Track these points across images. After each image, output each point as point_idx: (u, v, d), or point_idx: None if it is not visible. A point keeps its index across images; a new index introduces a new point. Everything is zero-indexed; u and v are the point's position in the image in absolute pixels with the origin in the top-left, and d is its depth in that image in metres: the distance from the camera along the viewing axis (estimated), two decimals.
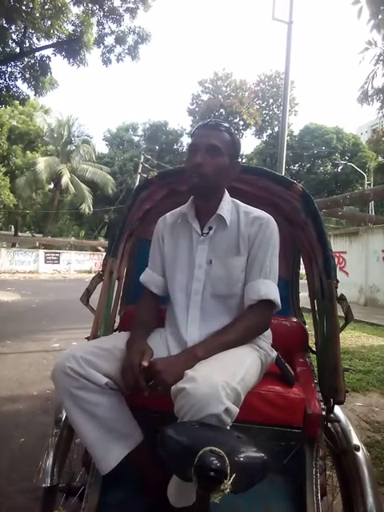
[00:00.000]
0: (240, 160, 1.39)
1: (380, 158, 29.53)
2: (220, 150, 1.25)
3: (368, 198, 13.07)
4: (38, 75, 8.87)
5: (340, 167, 30.18)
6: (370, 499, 1.10)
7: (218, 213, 1.32)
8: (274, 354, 1.36)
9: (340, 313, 1.27)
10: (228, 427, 0.95)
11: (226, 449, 0.77)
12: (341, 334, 1.25)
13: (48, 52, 9.01)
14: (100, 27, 9.19)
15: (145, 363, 1.10)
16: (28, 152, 25.76)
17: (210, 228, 1.34)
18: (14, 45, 8.90)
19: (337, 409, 1.24)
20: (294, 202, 1.56)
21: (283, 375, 1.33)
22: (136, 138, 36.41)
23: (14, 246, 25.68)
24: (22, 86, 9.19)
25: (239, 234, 1.32)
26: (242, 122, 32.48)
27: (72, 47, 8.81)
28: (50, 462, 1.23)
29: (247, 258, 1.31)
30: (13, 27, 8.56)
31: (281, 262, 1.61)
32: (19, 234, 29.77)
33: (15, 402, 3.07)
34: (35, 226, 32.25)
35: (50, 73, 9.06)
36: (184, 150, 32.85)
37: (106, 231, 29.35)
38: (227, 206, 1.35)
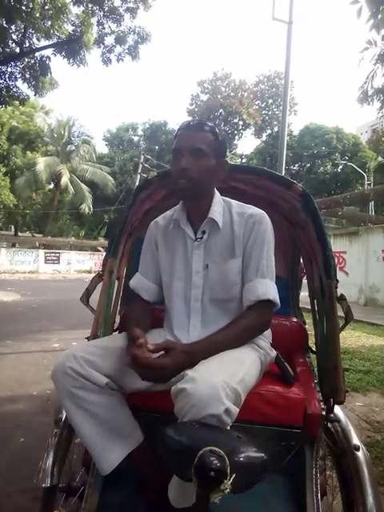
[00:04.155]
0: (240, 160, 1.38)
1: (380, 158, 29.50)
2: (204, 152, 1.22)
3: (368, 198, 13.08)
4: (38, 75, 8.88)
5: (340, 167, 30.14)
6: (370, 499, 1.10)
7: (209, 217, 1.30)
8: (274, 353, 1.36)
9: (340, 313, 1.27)
10: (228, 427, 0.95)
11: (226, 449, 0.76)
12: (341, 334, 1.25)
13: (48, 52, 9.05)
14: (100, 27, 9.21)
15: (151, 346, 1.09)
16: (28, 152, 25.76)
17: (204, 232, 1.32)
18: (13, 45, 8.92)
19: (337, 409, 1.24)
20: (293, 202, 1.56)
21: (283, 375, 1.33)
22: (136, 138, 36.42)
23: (14, 246, 25.68)
24: (22, 86, 9.26)
25: (234, 236, 1.30)
26: (241, 122, 32.48)
27: (72, 47, 8.82)
28: (49, 461, 1.23)
29: (243, 258, 1.30)
30: (13, 27, 8.57)
31: (281, 261, 1.60)
32: (19, 234, 29.77)
33: (15, 402, 3.07)
34: (35, 226, 32.23)
35: (50, 73, 9.07)
36: None
37: (106, 231, 29.36)
38: (218, 207, 1.33)
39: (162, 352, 1.09)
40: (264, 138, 33.34)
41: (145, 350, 1.07)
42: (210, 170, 1.26)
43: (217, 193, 1.36)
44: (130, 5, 9.04)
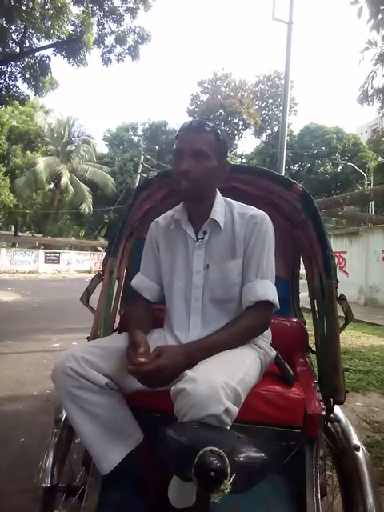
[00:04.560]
0: (240, 160, 1.38)
1: (380, 158, 29.48)
2: (205, 153, 1.22)
3: (368, 198, 13.08)
4: (38, 75, 8.89)
5: (340, 167, 30.13)
6: (370, 499, 1.10)
7: (211, 217, 1.30)
8: (274, 353, 1.36)
9: (340, 313, 1.27)
10: (228, 427, 0.95)
11: (226, 449, 0.77)
12: (341, 334, 1.25)
13: (48, 52, 9.06)
14: (100, 27, 9.21)
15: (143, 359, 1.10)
16: (28, 152, 25.77)
17: (205, 232, 1.33)
18: (14, 45, 8.93)
19: (337, 409, 1.24)
20: (294, 202, 1.56)
21: (283, 375, 1.33)
22: (136, 138, 36.41)
23: (14, 245, 25.68)
24: (22, 86, 9.24)
25: (234, 236, 1.30)
26: (241, 122, 32.49)
27: (72, 47, 8.83)
28: (50, 461, 1.23)
29: (243, 259, 1.30)
30: (13, 27, 8.58)
31: (281, 262, 1.60)
32: (19, 233, 29.77)
33: (15, 402, 3.07)
34: (35, 226, 32.25)
35: (50, 73, 9.08)
36: None
37: (106, 231, 29.37)
38: (220, 208, 1.33)
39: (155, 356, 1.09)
40: (264, 138, 33.34)
41: (141, 358, 1.08)
42: (212, 171, 1.26)
43: (218, 193, 1.37)
44: (130, 5, 9.04)
